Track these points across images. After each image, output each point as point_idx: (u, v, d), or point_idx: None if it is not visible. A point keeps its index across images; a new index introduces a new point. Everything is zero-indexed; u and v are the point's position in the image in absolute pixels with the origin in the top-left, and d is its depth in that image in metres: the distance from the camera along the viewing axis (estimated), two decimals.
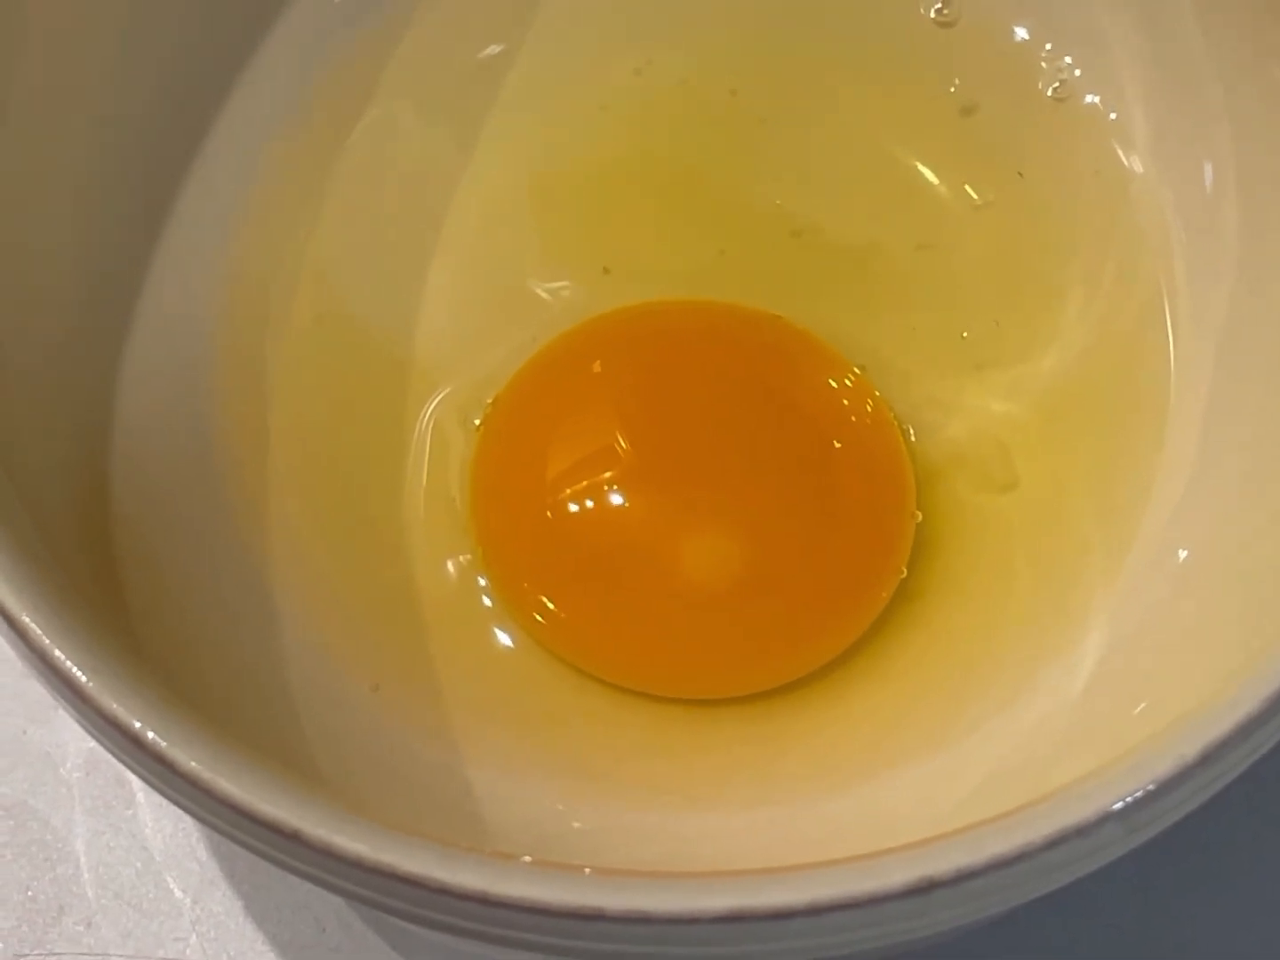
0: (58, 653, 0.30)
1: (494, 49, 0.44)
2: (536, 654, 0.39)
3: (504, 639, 0.39)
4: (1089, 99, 0.42)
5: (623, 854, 0.36)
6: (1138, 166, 0.41)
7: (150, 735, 0.29)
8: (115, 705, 0.29)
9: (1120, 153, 0.41)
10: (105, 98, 0.39)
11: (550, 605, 0.39)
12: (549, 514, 0.39)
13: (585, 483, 0.39)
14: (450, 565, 0.40)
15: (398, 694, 0.38)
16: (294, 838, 0.28)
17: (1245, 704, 0.29)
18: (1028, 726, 0.37)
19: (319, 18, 0.43)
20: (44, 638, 0.30)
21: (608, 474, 0.39)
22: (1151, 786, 0.28)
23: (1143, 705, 0.35)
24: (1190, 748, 0.29)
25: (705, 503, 0.39)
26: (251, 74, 0.42)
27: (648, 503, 0.39)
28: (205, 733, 0.29)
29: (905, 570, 0.39)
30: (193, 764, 0.29)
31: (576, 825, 0.37)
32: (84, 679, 0.29)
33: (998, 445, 0.40)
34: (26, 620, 0.30)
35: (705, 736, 0.38)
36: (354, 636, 0.39)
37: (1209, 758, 0.29)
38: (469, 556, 0.40)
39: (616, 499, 0.39)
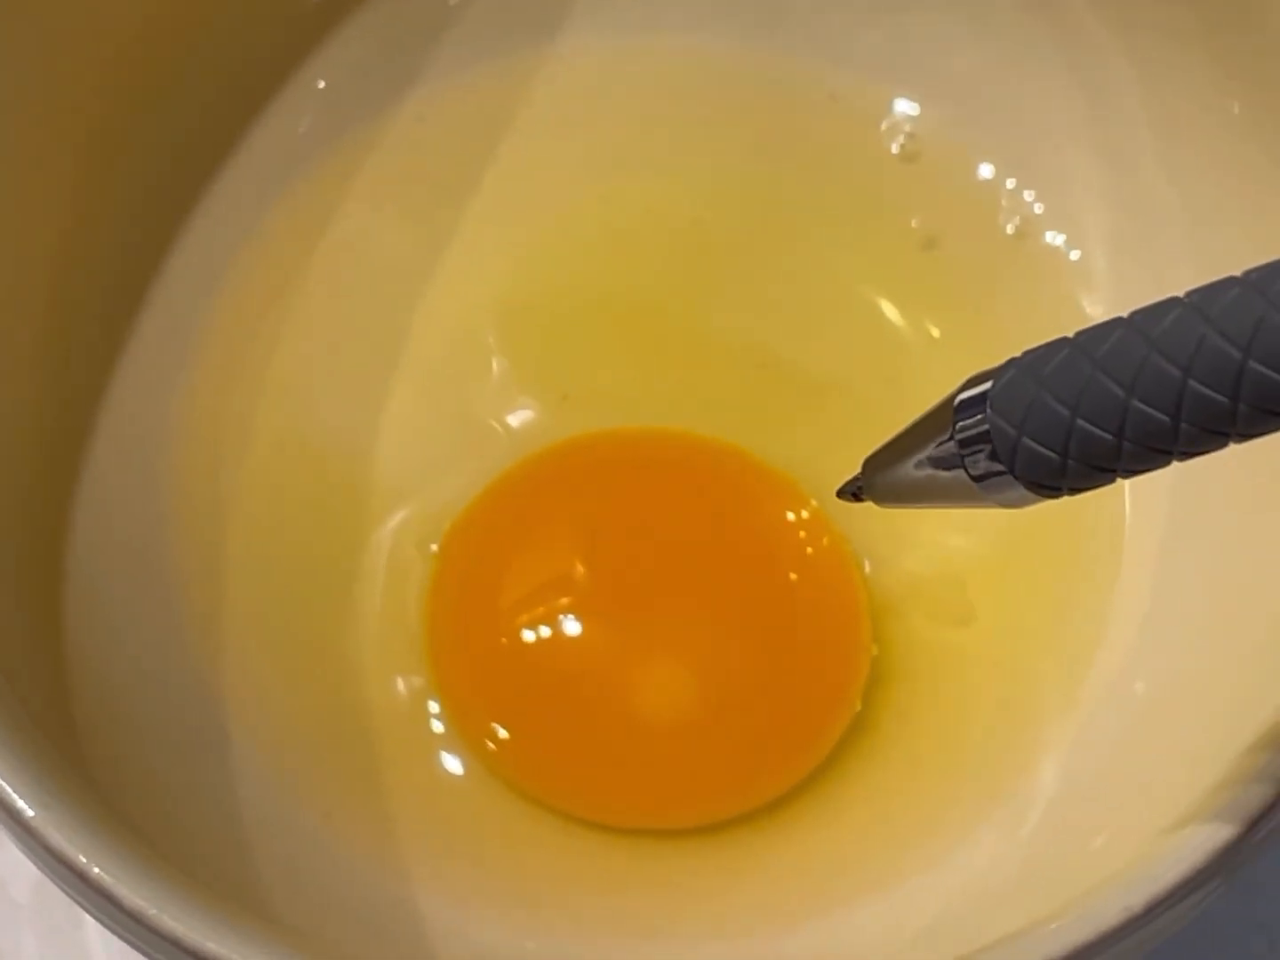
0: (5, 785, 0.29)
1: (461, 171, 0.44)
2: (488, 782, 0.39)
3: (456, 765, 0.39)
4: (1049, 237, 0.42)
5: None
6: (1098, 309, 0.41)
7: (96, 871, 0.29)
8: (62, 840, 0.29)
9: (1080, 293, 0.42)
10: (67, 216, 0.40)
11: (502, 733, 0.39)
12: (503, 641, 0.39)
13: (539, 610, 0.39)
14: (404, 690, 0.40)
15: (349, 822, 0.38)
16: None
17: (1192, 855, 0.29)
18: (981, 864, 0.37)
19: (283, 138, 0.43)
20: None
21: (562, 602, 0.39)
22: (1095, 938, 0.28)
23: (1095, 843, 0.35)
24: (1136, 899, 0.29)
25: (659, 634, 0.39)
26: (215, 194, 0.42)
27: (601, 633, 0.39)
28: (153, 868, 0.29)
29: (860, 703, 0.39)
30: (139, 901, 0.29)
31: (529, 957, 0.37)
32: (31, 813, 0.29)
33: (954, 579, 0.40)
34: None
35: (659, 868, 0.38)
36: (306, 762, 0.38)
37: (1154, 909, 0.29)
38: (423, 680, 0.40)
39: (571, 628, 0.39)
